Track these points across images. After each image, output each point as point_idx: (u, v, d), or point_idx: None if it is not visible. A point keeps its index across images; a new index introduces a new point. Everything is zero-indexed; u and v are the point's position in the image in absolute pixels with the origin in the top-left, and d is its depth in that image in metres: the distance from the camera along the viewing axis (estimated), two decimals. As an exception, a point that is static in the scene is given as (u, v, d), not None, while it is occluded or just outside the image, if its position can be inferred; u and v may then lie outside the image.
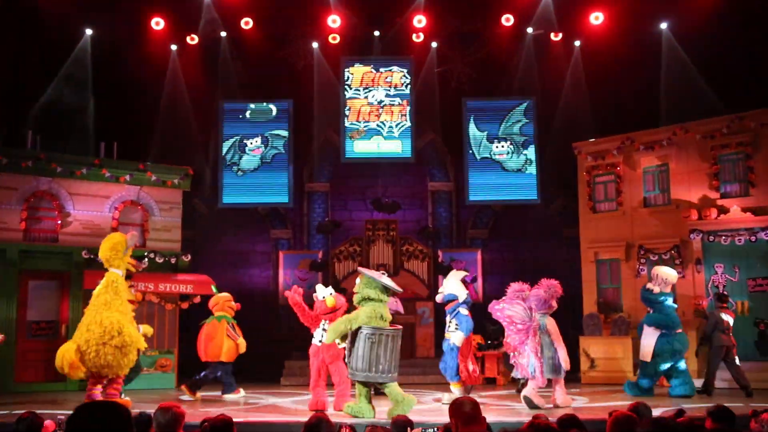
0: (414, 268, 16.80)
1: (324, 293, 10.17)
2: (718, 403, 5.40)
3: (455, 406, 4.12)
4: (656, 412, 6.64)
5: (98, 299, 9.98)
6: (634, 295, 14.63)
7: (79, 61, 16.54)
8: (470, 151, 18.10)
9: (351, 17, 17.86)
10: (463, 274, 11.62)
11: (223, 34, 17.85)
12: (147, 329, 11.28)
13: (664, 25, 16.95)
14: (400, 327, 9.18)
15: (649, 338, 11.90)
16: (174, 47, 17.87)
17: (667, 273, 12.13)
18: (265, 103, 18.29)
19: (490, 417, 8.83)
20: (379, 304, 8.78)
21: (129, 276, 11.01)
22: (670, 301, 12.11)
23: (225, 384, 12.20)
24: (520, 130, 18.12)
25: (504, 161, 18.03)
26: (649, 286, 12.14)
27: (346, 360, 9.11)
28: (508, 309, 10.01)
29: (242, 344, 12.22)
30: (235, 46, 18.01)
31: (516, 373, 10.38)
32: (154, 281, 13.90)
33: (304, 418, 4.90)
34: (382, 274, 9.44)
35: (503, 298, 10.27)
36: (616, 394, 11.98)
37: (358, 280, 9.11)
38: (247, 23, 17.69)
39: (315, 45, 18.19)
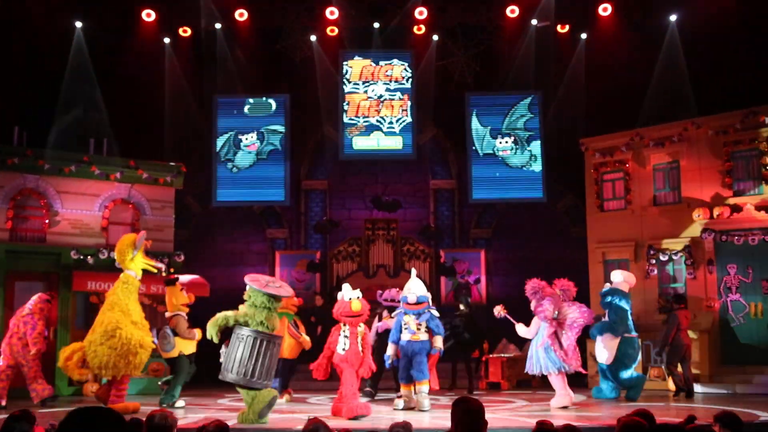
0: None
1: (351, 295, 9.68)
2: (724, 409, 5.07)
3: (459, 405, 4.01)
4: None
5: (108, 300, 10.20)
6: (643, 297, 14.33)
7: (77, 56, 16.26)
8: (473, 148, 17.62)
9: (350, 8, 17.37)
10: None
11: (218, 26, 17.35)
12: (197, 333, 11.26)
13: (673, 18, 16.48)
14: (281, 335, 9.23)
15: (610, 342, 11.67)
16: (167, 40, 17.40)
17: (627, 273, 12.23)
18: (264, 98, 17.81)
19: (494, 422, 8.47)
20: (261, 311, 8.73)
21: (173, 281, 11.20)
22: (623, 304, 11.83)
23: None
24: (525, 125, 17.65)
25: (508, 157, 17.55)
26: (608, 285, 12.10)
27: (221, 359, 8.99)
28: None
29: (306, 342, 11.95)
30: (230, 38, 17.54)
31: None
32: (146, 282, 13.44)
33: (301, 424, 4.56)
34: (268, 282, 9.18)
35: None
36: (622, 399, 11.66)
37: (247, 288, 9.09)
38: (241, 15, 17.23)
39: (313, 38, 17.69)
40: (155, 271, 10.55)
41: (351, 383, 9.39)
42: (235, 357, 8.48)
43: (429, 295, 10.71)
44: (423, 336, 10.31)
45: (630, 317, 11.88)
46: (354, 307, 9.51)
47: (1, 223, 13.29)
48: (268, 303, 8.70)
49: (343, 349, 9.50)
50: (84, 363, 9.82)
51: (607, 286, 12.06)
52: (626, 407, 10.20)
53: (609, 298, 11.78)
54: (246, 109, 17.83)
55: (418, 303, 10.49)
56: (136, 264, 10.21)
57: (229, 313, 8.80)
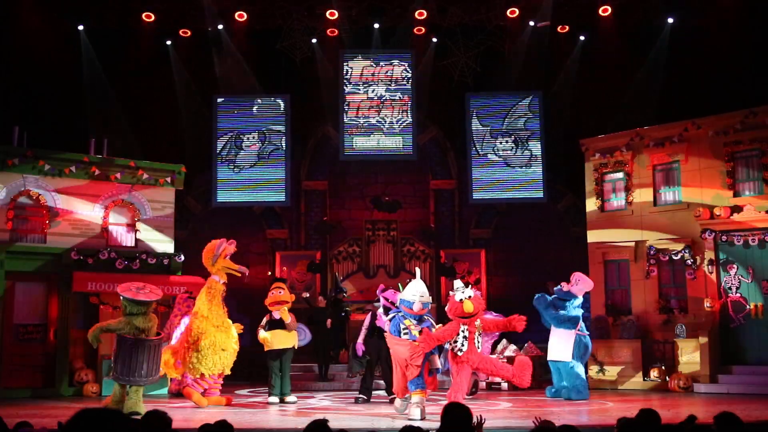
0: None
1: (462, 295, 9.25)
2: (723, 410, 5.11)
3: (450, 411, 4.13)
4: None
5: (195, 305, 11.31)
6: (643, 297, 14.32)
7: (89, 61, 16.51)
8: (473, 148, 17.60)
9: (350, 9, 17.35)
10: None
11: (220, 27, 17.34)
12: (264, 333, 11.63)
13: (670, 20, 16.48)
14: (156, 338, 10.33)
15: (566, 338, 11.99)
16: (168, 42, 17.41)
17: (585, 276, 12.58)
18: (273, 98, 17.79)
19: (494, 422, 8.47)
20: (137, 317, 10.23)
21: (272, 280, 12.14)
22: (577, 304, 12.27)
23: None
24: (525, 125, 17.62)
25: (508, 157, 17.53)
26: (564, 285, 12.30)
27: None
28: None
29: None
30: (231, 38, 17.52)
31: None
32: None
33: (303, 424, 4.59)
34: (139, 289, 10.36)
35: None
36: (624, 398, 11.74)
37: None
38: (241, 15, 17.21)
39: (314, 41, 17.68)
40: (239, 275, 11.27)
41: (461, 386, 9.23)
42: (114, 358, 10.21)
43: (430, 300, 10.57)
44: None
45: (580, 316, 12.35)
46: (466, 308, 9.13)
47: (1, 224, 13.20)
48: (142, 309, 10.14)
49: (460, 350, 9.23)
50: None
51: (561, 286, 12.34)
52: (630, 406, 10.22)
53: (567, 297, 12.15)
54: (254, 108, 17.79)
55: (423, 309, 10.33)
56: (217, 269, 11.05)
57: (104, 324, 10.59)
